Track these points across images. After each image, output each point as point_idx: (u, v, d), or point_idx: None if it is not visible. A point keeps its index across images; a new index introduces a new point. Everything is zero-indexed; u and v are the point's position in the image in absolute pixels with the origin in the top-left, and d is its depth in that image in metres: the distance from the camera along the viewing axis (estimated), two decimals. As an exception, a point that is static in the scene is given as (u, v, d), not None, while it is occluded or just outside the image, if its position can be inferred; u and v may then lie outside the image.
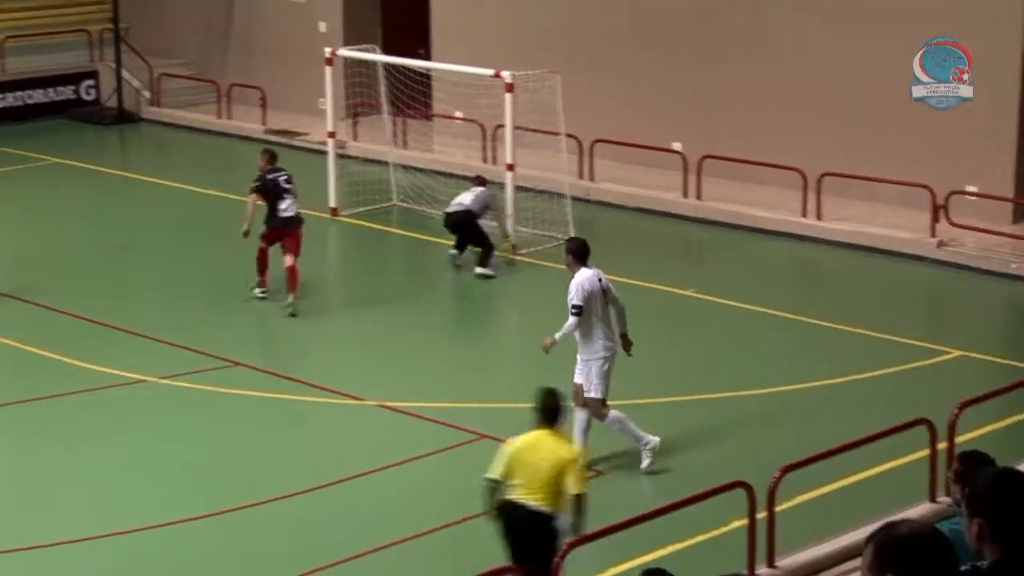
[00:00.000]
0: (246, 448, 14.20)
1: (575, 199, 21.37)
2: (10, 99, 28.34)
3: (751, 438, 14.37)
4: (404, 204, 22.43)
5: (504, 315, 19.18)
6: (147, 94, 29.08)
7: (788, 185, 21.52)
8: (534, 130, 21.70)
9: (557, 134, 21.03)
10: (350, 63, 24.26)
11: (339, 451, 14.11)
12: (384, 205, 22.33)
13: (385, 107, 23.11)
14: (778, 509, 11.03)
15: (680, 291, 18.71)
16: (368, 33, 27.02)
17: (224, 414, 14.97)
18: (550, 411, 10.73)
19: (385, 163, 23.00)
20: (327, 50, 22.25)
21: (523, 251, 20.18)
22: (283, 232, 17.85)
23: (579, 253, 13.64)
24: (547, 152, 21.85)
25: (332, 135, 22.21)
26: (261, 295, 18.04)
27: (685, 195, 22.26)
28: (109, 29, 29.17)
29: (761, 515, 10.86)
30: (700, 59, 23.42)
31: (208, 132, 27.76)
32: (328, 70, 21.99)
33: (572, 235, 20.48)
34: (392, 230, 21.72)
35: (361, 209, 22.18)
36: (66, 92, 29.05)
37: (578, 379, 13.43)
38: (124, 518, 12.57)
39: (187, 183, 23.88)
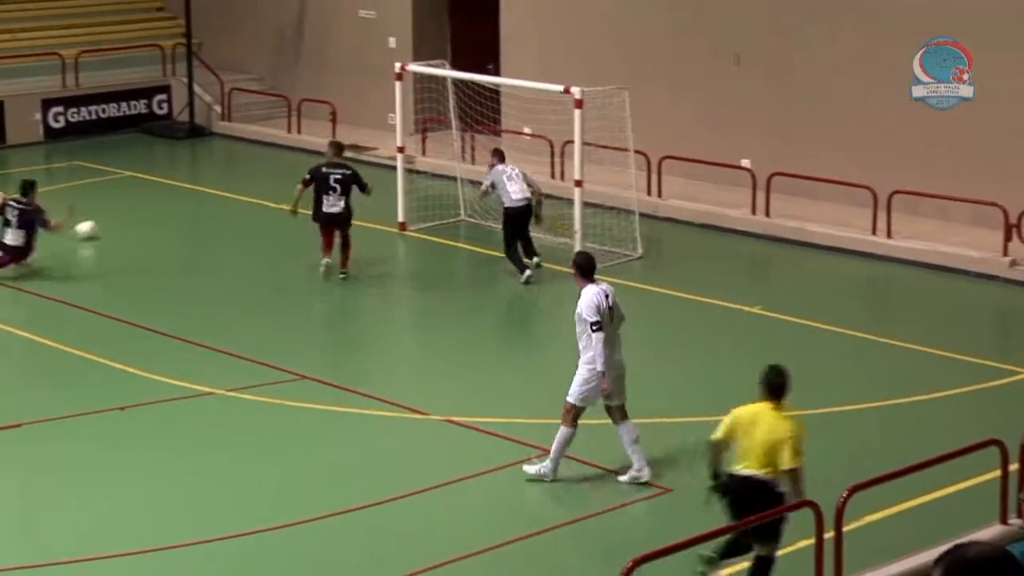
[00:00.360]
0: (311, 461, 14.26)
1: (643, 215, 21.36)
2: (84, 113, 28.71)
3: (818, 457, 14.22)
4: (472, 219, 22.49)
5: (572, 330, 19.13)
6: (218, 109, 29.36)
7: (858, 203, 21.40)
8: (603, 146, 21.72)
9: (626, 150, 21.02)
10: (420, 78, 24.38)
11: (404, 465, 14.15)
12: (452, 220, 22.41)
13: (454, 122, 23.19)
14: (846, 529, 10.94)
15: (747, 308, 18.63)
16: (438, 49, 27.15)
17: (289, 427, 15.05)
18: (774, 387, 11.22)
19: (453, 178, 23.07)
20: (397, 65, 22.37)
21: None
22: (329, 228, 18.30)
23: (586, 269, 13.64)
24: (615, 168, 21.85)
25: (401, 150, 22.32)
26: (324, 266, 19.02)
27: (753, 212, 22.17)
28: (182, 44, 29.50)
29: (829, 535, 10.79)
30: (770, 75, 23.34)
31: (278, 146, 27.99)
32: (398, 85, 22.11)
33: (640, 252, 20.60)
34: (460, 245, 21.78)
35: (429, 224, 22.27)
36: (139, 106, 29.39)
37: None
38: (190, 530, 12.66)
39: (257, 197, 24.07)
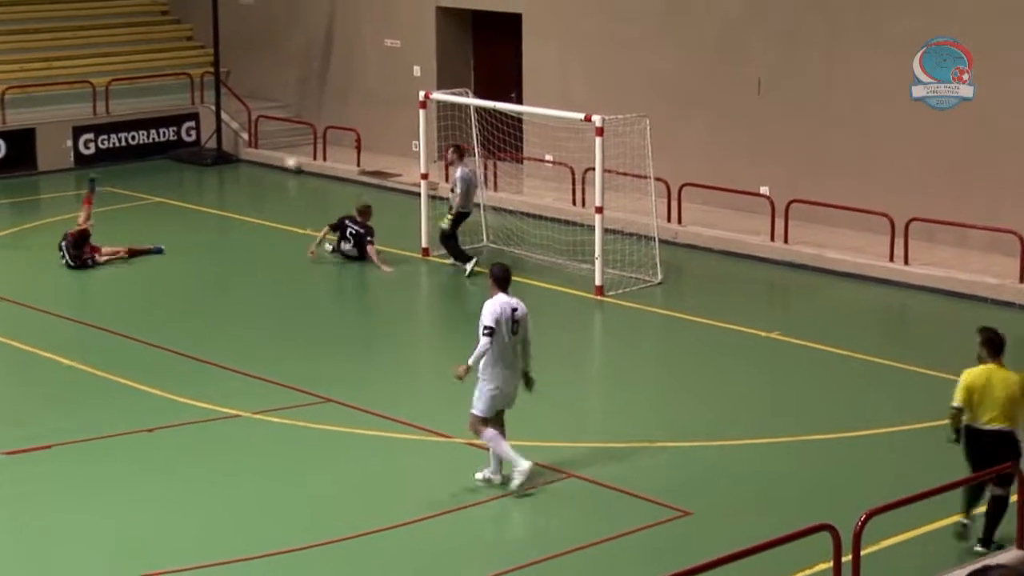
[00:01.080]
0: (336, 483, 14.45)
1: (663, 242, 21.60)
2: (114, 140, 29.12)
3: (836, 481, 14.46)
4: (495, 245, 22.77)
5: (592, 356, 19.36)
6: (245, 136, 29.73)
7: (875, 230, 21.60)
8: (623, 173, 21.99)
9: (646, 177, 21.27)
10: (443, 106, 24.70)
11: (427, 487, 14.32)
12: (475, 246, 22.67)
13: (476, 150, 23.49)
14: (863, 553, 11.09)
15: (765, 333, 18.83)
16: (461, 77, 27.50)
17: (314, 449, 15.29)
18: (997, 346, 12.71)
19: (476, 204, 23.33)
20: (421, 93, 22.69)
21: (611, 293, 20.42)
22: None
23: (500, 279, 14.15)
24: (635, 195, 22.11)
25: (425, 177, 22.62)
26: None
27: (772, 239, 22.39)
28: (210, 73, 29.90)
29: (846, 559, 10.94)
30: (788, 103, 23.57)
31: (303, 173, 28.33)
32: (422, 113, 22.42)
33: (660, 278, 20.83)
34: (482, 270, 22.00)
35: (452, 250, 22.53)
36: (168, 134, 29.81)
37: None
38: (217, 550, 12.87)
39: (282, 223, 24.38)
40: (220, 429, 15.65)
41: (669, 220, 23.13)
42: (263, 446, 15.32)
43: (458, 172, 21.53)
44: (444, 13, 28.12)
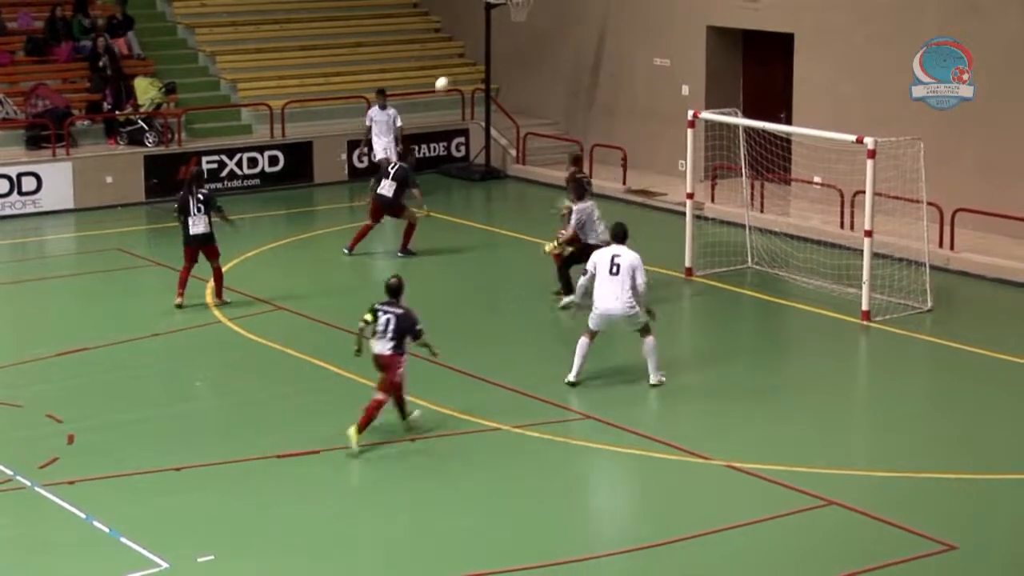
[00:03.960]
0: (585, 501, 14.56)
1: (934, 268, 21.07)
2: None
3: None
4: (759, 267, 22.55)
5: (857, 382, 18.99)
6: (513, 152, 30.14)
7: None
8: (895, 197, 21.53)
9: (918, 201, 20.79)
10: (711, 126, 24.58)
11: (681, 509, 14.30)
12: (739, 267, 22.50)
13: (744, 170, 23.31)
14: None
15: (1040, 366, 18.21)
16: (730, 97, 27.33)
17: (572, 465, 15.40)
18: None
19: (741, 225, 23.17)
20: (689, 112, 22.63)
21: (878, 318, 20.01)
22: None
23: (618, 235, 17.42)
24: (906, 219, 21.61)
25: (690, 196, 22.54)
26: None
27: (1050, 267, 21.64)
28: (481, 90, 30.41)
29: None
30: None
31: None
32: (689, 132, 22.36)
33: (930, 304, 20.32)
34: (745, 291, 21.86)
35: (716, 270, 22.41)
36: (438, 148, 30.44)
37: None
38: (471, 560, 13.08)
39: (546, 238, 24.55)
40: (481, 441, 15.88)
41: (941, 246, 22.55)
42: (522, 459, 15.49)
43: (579, 204, 20.49)
44: (715, 32, 28.02)
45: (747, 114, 24.47)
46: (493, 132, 30.13)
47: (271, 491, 14.66)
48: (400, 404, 15.96)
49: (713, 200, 25.77)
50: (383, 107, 26.54)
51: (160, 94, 28.24)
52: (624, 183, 27.89)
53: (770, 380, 18.17)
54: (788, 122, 25.80)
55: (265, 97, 29.62)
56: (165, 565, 12.91)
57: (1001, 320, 20.36)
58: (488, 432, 16.11)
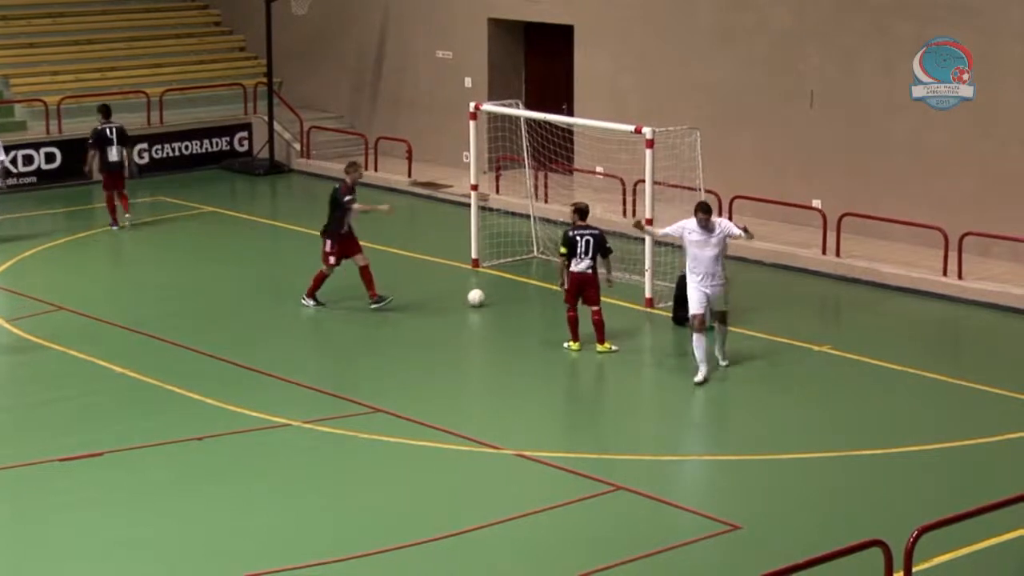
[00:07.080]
0: (383, 493, 14.48)
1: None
2: (168, 150, 29.35)
3: (888, 497, 14.35)
4: (544, 256, 22.76)
5: (638, 367, 19.30)
6: (297, 146, 29.88)
7: (929, 244, 21.46)
8: (673, 185, 21.94)
9: (696, 189, 21.21)
10: (494, 117, 24.74)
11: (474, 499, 14.35)
12: (524, 257, 22.67)
13: (527, 161, 23.51)
14: (916, 569, 11.00)
15: (816, 347, 18.74)
16: (512, 88, 27.55)
17: (362, 459, 15.33)
18: None
19: (526, 216, 23.36)
20: (471, 104, 22.72)
21: (660, 305, 20.38)
22: None
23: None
24: (685, 207, 21.98)
25: (475, 188, 22.65)
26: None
27: (824, 252, 22.28)
28: (263, 83, 30.08)
29: (898, 575, 10.87)
30: (840, 116, 23.47)
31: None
32: (472, 124, 22.45)
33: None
34: (531, 281, 22.04)
35: (502, 260, 22.56)
36: (220, 143, 30.01)
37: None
38: (258, 559, 12.92)
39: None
40: (269, 438, 15.71)
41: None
42: (311, 455, 15.36)
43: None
44: (496, 24, 28.18)
45: (530, 106, 24.70)
46: (276, 126, 29.83)
47: (53, 496, 14.27)
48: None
49: (498, 191, 25.94)
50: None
51: (-72, 91, 27.30)
52: (410, 175, 27.88)
53: (558, 369, 18.34)
54: (570, 113, 26.10)
55: (40, 93, 28.83)
56: (-58, 577, 12.48)
57: (776, 304, 20.86)
58: (278, 429, 15.94)
